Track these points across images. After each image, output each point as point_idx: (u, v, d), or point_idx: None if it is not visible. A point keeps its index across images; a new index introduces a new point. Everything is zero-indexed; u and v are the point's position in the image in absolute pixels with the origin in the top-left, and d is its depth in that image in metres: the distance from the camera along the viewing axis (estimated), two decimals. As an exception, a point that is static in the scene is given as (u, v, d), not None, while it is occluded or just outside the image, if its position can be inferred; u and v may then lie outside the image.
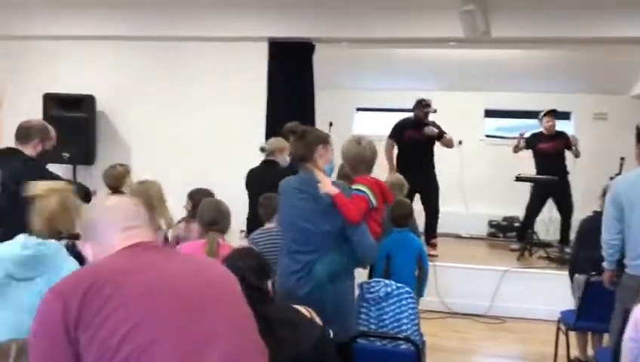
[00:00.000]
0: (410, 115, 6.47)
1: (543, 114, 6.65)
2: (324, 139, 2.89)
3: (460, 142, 7.10)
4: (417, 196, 6.08)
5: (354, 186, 2.84)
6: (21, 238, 2.23)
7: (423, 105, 6.31)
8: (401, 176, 4.55)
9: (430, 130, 6.27)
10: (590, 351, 4.13)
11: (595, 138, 7.28)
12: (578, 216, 5.37)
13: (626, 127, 6.73)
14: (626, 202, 3.28)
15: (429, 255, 6.09)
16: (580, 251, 4.15)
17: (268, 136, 5.51)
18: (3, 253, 2.21)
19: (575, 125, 7.94)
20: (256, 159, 4.76)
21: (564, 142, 6.56)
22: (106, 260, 1.38)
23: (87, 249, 1.48)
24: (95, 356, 1.20)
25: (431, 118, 6.40)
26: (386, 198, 2.99)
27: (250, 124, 5.93)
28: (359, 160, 2.96)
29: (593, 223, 3.80)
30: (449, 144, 6.47)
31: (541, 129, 6.69)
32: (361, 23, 5.81)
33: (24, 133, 3.45)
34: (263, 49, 5.99)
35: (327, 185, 2.71)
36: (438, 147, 6.50)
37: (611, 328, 3.35)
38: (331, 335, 2.26)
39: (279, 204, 3.02)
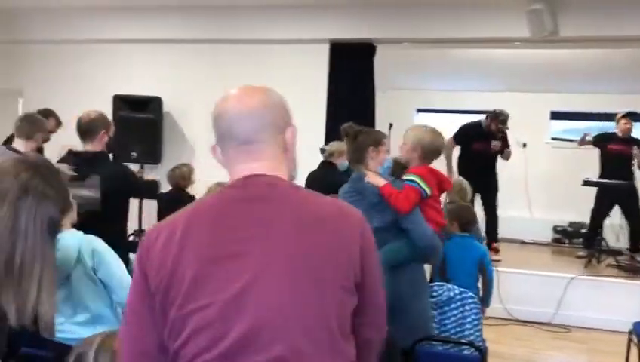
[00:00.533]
0: (477, 118, 6.37)
1: (621, 115, 6.34)
2: (376, 141, 2.85)
3: (525, 145, 6.90)
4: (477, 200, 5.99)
5: (405, 177, 2.78)
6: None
7: (499, 120, 6.17)
8: (462, 180, 4.44)
9: (495, 144, 6.17)
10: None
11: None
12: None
13: None
14: None
15: (492, 260, 6.00)
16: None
17: (328, 138, 5.53)
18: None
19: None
20: (317, 162, 4.78)
21: (636, 147, 6.23)
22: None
23: None
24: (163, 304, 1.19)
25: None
26: (444, 186, 2.94)
27: (310, 126, 5.94)
28: (433, 149, 2.88)
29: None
30: (507, 157, 6.35)
31: (615, 130, 6.39)
32: (423, 24, 5.75)
33: (88, 127, 3.36)
34: (324, 51, 6.02)
35: (373, 177, 2.69)
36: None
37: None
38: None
39: None
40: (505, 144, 6.25)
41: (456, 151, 6.32)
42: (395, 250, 2.67)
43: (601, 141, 6.41)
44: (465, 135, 6.29)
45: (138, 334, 1.21)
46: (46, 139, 4.29)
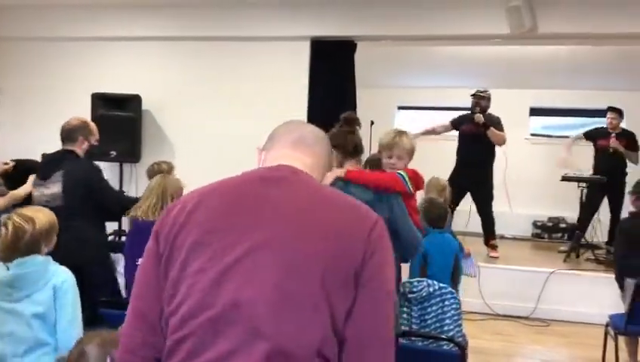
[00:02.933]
0: (458, 115, 6.54)
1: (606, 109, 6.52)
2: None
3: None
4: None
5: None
6: None
7: (474, 95, 6.30)
8: (440, 178, 4.42)
9: (478, 117, 6.15)
10: (640, 357, 4.00)
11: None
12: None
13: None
14: None
15: (490, 257, 6.07)
16: (629, 253, 4.02)
17: (309, 135, 5.54)
18: None
19: (629, 125, 7.68)
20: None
21: (626, 141, 6.32)
22: None
23: None
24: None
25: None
26: (419, 186, 2.94)
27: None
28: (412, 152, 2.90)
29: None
30: (498, 140, 6.24)
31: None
32: (404, 21, 5.76)
33: (67, 134, 3.57)
34: (305, 48, 6.01)
35: (332, 174, 2.59)
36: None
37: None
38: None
39: None
40: (486, 125, 6.17)
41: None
42: None
43: (591, 137, 6.54)
44: (458, 120, 6.46)
45: (146, 295, 1.26)
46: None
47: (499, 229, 7.18)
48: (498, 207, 6.96)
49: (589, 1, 5.32)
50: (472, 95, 6.32)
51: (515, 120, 7.96)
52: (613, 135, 6.31)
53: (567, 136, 7.32)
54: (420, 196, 3.34)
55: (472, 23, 5.64)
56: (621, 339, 3.98)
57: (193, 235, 1.21)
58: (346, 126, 2.79)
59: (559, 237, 7.62)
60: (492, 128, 6.19)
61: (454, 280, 3.75)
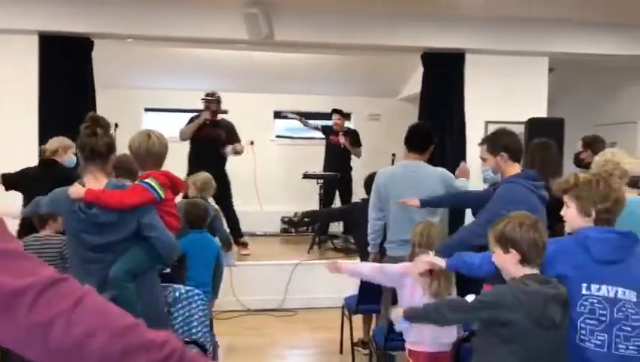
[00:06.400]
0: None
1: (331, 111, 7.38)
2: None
3: (252, 143, 7.24)
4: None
5: (141, 182, 2.71)
6: None
7: (203, 99, 6.24)
8: (207, 175, 4.38)
9: (342, 137, 6.71)
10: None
11: (370, 136, 7.93)
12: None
13: (395, 126, 7.53)
14: (385, 193, 3.70)
15: (242, 255, 6.18)
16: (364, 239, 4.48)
17: (42, 135, 5.08)
18: None
19: (355, 125, 8.62)
20: (32, 158, 4.37)
21: (350, 139, 7.17)
22: None
23: None
24: None
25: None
26: (178, 189, 2.93)
27: (22, 122, 5.41)
28: (147, 154, 2.84)
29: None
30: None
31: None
32: (145, 20, 5.60)
33: None
34: (33, 43, 5.46)
35: (75, 191, 2.50)
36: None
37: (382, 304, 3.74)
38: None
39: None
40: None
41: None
42: (135, 259, 2.56)
43: (326, 131, 7.26)
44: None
45: None
46: None
47: (251, 227, 7.45)
48: (249, 206, 7.22)
49: (320, 13, 5.82)
50: (201, 99, 6.29)
51: (261, 123, 8.36)
52: (340, 133, 7.12)
53: (309, 138, 8.14)
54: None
55: (213, 27, 5.75)
56: (359, 318, 4.42)
57: None
58: (93, 127, 2.59)
59: (305, 231, 8.19)
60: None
61: (215, 280, 3.79)
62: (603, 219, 2.17)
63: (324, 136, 7.45)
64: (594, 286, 2.09)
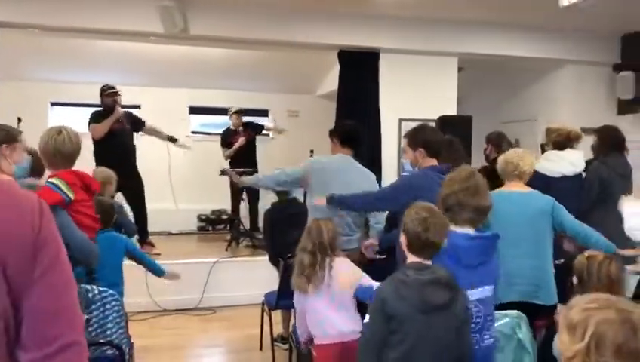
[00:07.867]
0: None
1: (233, 111, 7.23)
2: (8, 138, 2.56)
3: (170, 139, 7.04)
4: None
5: (47, 182, 2.61)
6: None
7: (107, 93, 5.99)
8: (108, 170, 4.20)
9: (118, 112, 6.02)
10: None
11: (289, 133, 7.95)
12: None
13: (314, 123, 7.60)
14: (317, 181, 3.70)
15: (152, 254, 5.97)
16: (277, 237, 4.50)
17: None
18: None
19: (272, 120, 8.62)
20: None
21: (252, 131, 7.17)
22: None
23: None
24: None
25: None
26: (93, 188, 2.82)
27: None
28: (55, 152, 2.71)
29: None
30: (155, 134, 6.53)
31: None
32: (52, 9, 5.32)
33: None
34: None
35: None
36: (146, 143, 6.37)
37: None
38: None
39: None
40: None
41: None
42: None
43: (227, 136, 7.11)
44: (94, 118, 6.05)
45: None
46: None
47: (166, 226, 7.27)
48: (164, 204, 7.03)
49: (236, 8, 5.77)
50: (106, 93, 6.01)
51: (176, 118, 8.16)
52: (240, 131, 7.13)
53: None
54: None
55: (126, 19, 5.55)
56: (279, 314, 4.43)
57: None
58: None
59: (222, 228, 8.10)
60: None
61: (146, 265, 3.89)
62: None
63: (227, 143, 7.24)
64: (469, 292, 2.24)
